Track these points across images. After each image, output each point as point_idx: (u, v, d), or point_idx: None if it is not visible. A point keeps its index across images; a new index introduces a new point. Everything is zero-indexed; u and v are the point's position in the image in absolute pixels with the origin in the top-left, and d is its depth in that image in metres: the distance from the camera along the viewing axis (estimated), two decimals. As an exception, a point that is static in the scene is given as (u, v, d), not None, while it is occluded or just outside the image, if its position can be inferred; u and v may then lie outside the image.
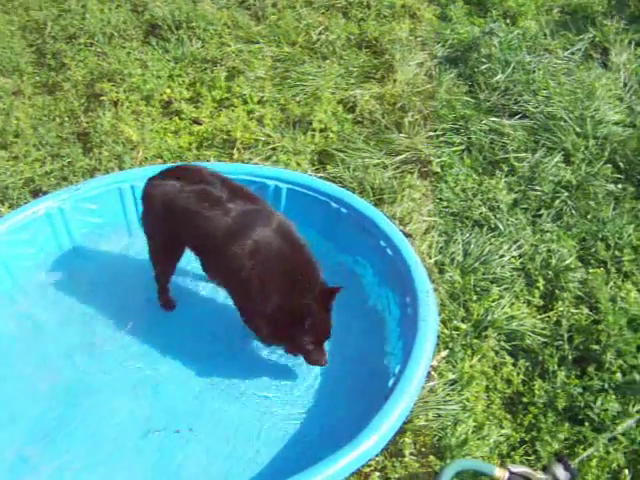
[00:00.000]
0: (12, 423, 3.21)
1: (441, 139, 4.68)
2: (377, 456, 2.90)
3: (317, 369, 3.35)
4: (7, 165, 4.54)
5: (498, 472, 2.83)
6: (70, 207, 3.98)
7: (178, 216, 3.27)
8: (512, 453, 3.05)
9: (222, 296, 3.60)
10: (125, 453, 3.09)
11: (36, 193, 4.39)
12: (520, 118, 4.80)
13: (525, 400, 3.24)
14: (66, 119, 4.97)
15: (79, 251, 4.01)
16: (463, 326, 3.49)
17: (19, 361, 3.48)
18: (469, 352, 3.39)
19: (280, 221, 3.22)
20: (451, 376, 3.27)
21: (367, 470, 2.91)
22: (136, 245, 3.94)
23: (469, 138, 4.69)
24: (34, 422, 3.21)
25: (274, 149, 4.58)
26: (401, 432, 2.97)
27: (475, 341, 3.43)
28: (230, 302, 3.39)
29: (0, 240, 3.80)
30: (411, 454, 2.97)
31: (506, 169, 4.43)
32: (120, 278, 3.86)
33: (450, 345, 3.41)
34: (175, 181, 3.33)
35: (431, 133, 4.71)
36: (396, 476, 2.89)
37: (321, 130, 4.76)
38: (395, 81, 5.16)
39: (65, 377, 3.39)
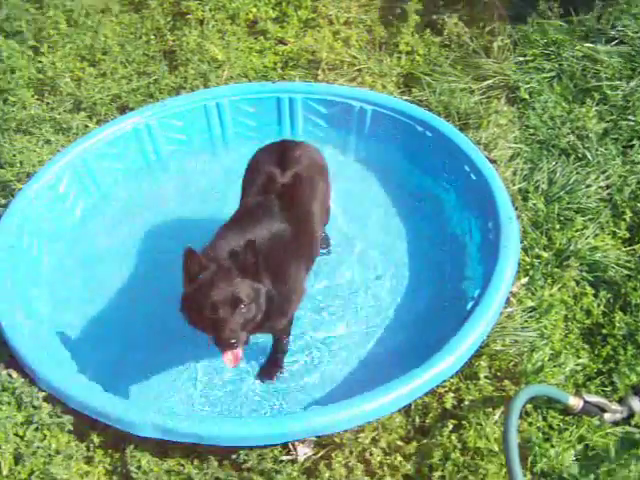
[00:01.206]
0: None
1: (531, 65, 4.52)
2: (452, 377, 2.92)
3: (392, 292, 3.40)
4: (95, 82, 4.60)
5: (572, 400, 2.83)
6: (156, 123, 4.05)
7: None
8: (588, 383, 3.01)
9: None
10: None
11: (123, 109, 4.46)
12: (617, 44, 4.59)
13: (604, 331, 3.19)
14: (152, 37, 5.00)
15: (165, 166, 4.10)
16: (545, 254, 3.44)
17: (109, 273, 3.60)
18: (549, 281, 3.34)
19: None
20: (530, 303, 3.24)
21: (441, 391, 2.93)
22: (221, 161, 3.98)
23: (560, 64, 4.52)
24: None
25: (359, 70, 4.53)
26: (477, 355, 2.97)
27: (556, 270, 3.38)
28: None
29: (88, 154, 3.91)
30: (486, 377, 2.97)
31: (598, 97, 4.26)
32: (206, 194, 3.91)
33: (530, 273, 3.36)
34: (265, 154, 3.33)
35: (520, 58, 4.56)
36: (470, 398, 2.90)
37: (407, 53, 4.68)
38: (485, 3, 4.99)
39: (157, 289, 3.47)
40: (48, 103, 4.43)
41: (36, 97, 4.45)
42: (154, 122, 4.05)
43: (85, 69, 4.71)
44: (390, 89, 4.37)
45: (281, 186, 3.08)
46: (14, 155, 3.98)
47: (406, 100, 4.20)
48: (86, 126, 4.28)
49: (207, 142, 4.15)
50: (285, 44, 4.85)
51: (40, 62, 4.66)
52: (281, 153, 3.24)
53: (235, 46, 4.80)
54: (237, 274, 2.64)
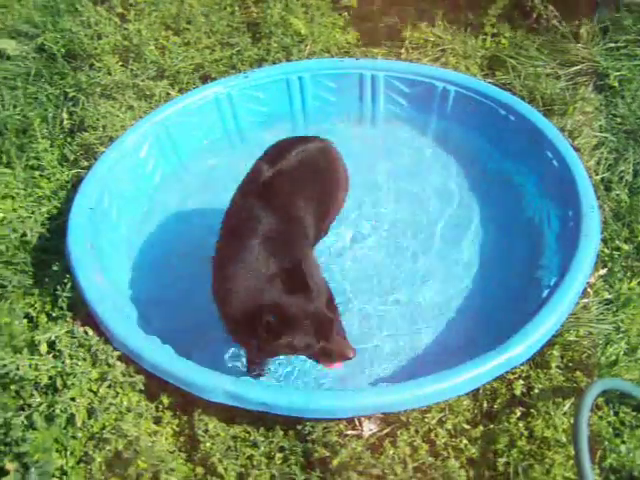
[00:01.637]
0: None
1: (622, 52, 4.39)
2: (523, 365, 2.88)
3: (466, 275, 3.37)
4: (179, 50, 4.64)
5: (647, 396, 2.77)
6: (238, 94, 4.07)
7: None
8: (664, 381, 2.95)
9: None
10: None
11: (205, 79, 4.49)
12: None
13: (684, 328, 3.11)
14: (237, 8, 4.99)
15: (244, 137, 4.13)
16: (625, 247, 3.36)
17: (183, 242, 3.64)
18: (629, 274, 3.27)
19: None
20: (607, 295, 3.17)
21: (511, 377, 2.89)
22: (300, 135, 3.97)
23: (654, 52, 4.39)
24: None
25: (443, 51, 4.47)
26: (550, 344, 2.92)
27: (636, 264, 3.30)
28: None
29: (170, 122, 3.94)
30: (557, 367, 2.92)
31: (692, 87, 4.13)
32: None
33: (609, 265, 3.29)
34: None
35: (611, 45, 4.43)
36: (540, 386, 2.86)
37: (493, 35, 4.59)
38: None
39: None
40: (132, 70, 4.47)
41: (121, 64, 4.50)
42: (236, 92, 4.06)
43: (169, 38, 4.73)
44: (474, 71, 4.31)
45: (262, 184, 3.00)
46: (97, 119, 4.05)
47: (490, 83, 4.12)
48: (168, 94, 4.32)
49: (287, 115, 4.15)
50: (370, 20, 4.81)
51: (126, 29, 4.70)
52: (281, 148, 3.16)
53: (319, 20, 4.77)
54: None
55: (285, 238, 2.82)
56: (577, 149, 3.68)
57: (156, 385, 2.91)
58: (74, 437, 2.78)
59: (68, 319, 3.12)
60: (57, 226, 3.57)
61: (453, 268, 3.41)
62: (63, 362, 2.92)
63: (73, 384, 2.87)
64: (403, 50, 4.50)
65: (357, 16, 4.87)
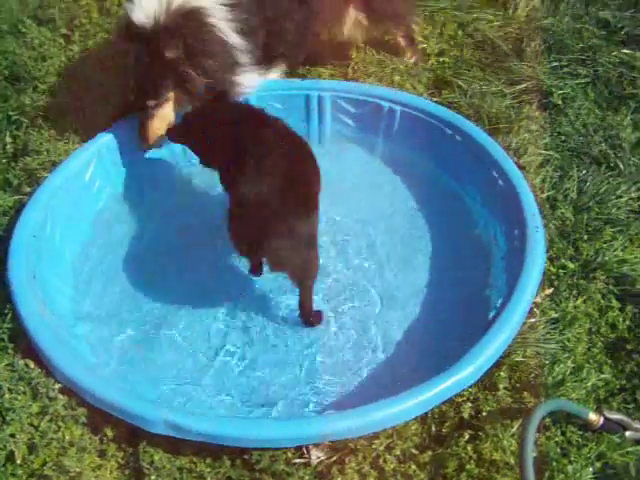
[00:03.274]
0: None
1: (565, 70, 4.45)
2: (471, 387, 2.87)
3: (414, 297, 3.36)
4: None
5: (593, 416, 2.77)
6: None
7: None
8: (610, 399, 2.96)
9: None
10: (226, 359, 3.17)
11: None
12: (655, 51, 4.52)
13: (629, 347, 3.12)
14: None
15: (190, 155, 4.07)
16: (571, 265, 3.38)
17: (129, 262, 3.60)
18: (574, 292, 3.28)
19: None
20: (553, 315, 3.18)
21: (459, 400, 2.88)
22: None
23: (595, 70, 4.45)
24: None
25: (389, 70, 4.46)
26: (497, 365, 2.93)
27: (582, 282, 3.32)
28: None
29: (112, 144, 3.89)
30: (505, 388, 2.92)
31: (633, 105, 4.19)
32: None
33: (555, 283, 3.31)
34: None
35: (555, 63, 4.48)
36: (488, 408, 2.86)
37: (438, 54, 4.62)
38: (519, 6, 4.93)
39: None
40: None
41: (65, 86, 4.44)
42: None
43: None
44: (420, 90, 4.30)
45: None
46: (41, 143, 3.97)
47: (436, 102, 4.14)
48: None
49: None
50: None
51: (71, 50, 4.65)
52: None
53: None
54: None
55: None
56: (522, 167, 3.70)
57: (100, 418, 2.84)
58: (13, 474, 2.71)
59: (9, 351, 3.05)
60: (-1, 254, 3.49)
61: (401, 289, 3.39)
62: (2, 396, 2.85)
63: (12, 419, 2.80)
64: (349, 69, 4.49)
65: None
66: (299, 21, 3.98)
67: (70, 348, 3.03)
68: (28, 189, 3.77)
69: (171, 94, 3.61)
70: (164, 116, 3.66)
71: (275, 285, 3.40)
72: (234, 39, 3.66)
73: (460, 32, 4.78)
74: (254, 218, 3.00)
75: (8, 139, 4.12)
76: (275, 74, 4.13)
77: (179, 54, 3.47)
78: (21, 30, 4.84)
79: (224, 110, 3.48)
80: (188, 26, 3.50)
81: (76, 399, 2.86)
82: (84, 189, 3.75)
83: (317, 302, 3.27)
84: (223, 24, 3.61)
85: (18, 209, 3.65)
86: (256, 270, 3.38)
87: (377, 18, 4.31)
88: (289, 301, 3.33)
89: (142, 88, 3.60)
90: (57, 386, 2.88)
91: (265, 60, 3.94)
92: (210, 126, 3.41)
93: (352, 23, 4.25)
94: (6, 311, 3.11)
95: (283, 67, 4.18)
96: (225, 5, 3.61)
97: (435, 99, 4.24)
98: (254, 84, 3.89)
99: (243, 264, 3.44)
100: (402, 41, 4.54)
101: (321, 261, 3.25)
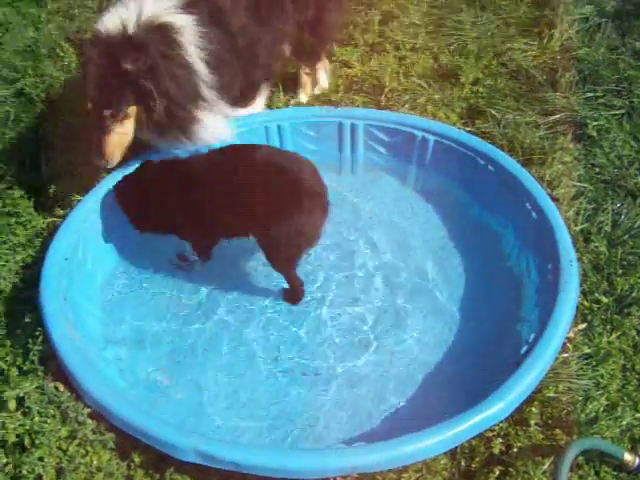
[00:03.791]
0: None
1: (600, 101, 4.43)
2: (502, 422, 2.83)
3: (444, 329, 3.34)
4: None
5: (628, 456, 2.72)
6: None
7: None
8: (645, 439, 2.91)
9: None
10: (251, 387, 3.16)
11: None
12: (689, 83, 4.49)
13: (664, 385, 3.08)
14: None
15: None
16: (605, 300, 3.34)
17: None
18: (608, 327, 3.24)
19: None
20: (587, 350, 3.14)
21: (490, 435, 2.84)
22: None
23: (631, 102, 4.42)
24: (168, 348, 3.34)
25: (423, 99, 4.47)
26: (529, 401, 2.88)
27: (616, 317, 3.27)
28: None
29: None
30: (536, 424, 2.87)
31: (669, 138, 4.16)
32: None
33: (589, 318, 3.27)
34: None
35: (589, 94, 4.46)
36: (519, 445, 2.81)
37: (473, 83, 4.61)
38: (554, 37, 4.92)
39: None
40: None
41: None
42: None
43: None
44: (453, 119, 4.30)
45: None
46: (75, 167, 4.01)
47: (469, 132, 4.13)
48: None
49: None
50: (350, 67, 4.82)
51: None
52: None
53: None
54: None
55: None
56: (556, 199, 3.68)
57: (128, 443, 2.84)
58: (41, 499, 2.71)
59: (39, 373, 3.05)
60: (31, 275, 3.51)
61: (433, 319, 3.37)
62: (32, 419, 2.86)
63: (41, 443, 2.80)
64: (383, 98, 4.49)
65: (339, 61, 4.89)
66: (268, 45, 3.97)
67: (100, 372, 3.02)
68: (61, 212, 3.81)
69: (131, 109, 3.49)
70: (123, 133, 3.54)
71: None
72: (201, 68, 3.58)
73: (494, 61, 4.77)
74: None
75: (42, 162, 4.16)
76: (254, 107, 4.12)
77: (140, 67, 3.35)
78: (59, 54, 4.91)
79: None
80: (154, 40, 3.42)
81: (105, 424, 2.85)
82: (116, 213, 3.75)
83: (359, 330, 3.34)
84: (192, 49, 3.54)
85: (51, 231, 3.69)
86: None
87: (302, 50, 4.35)
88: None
89: (101, 98, 3.44)
90: (86, 410, 2.87)
91: (241, 94, 3.93)
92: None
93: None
94: (37, 333, 3.12)
95: (262, 99, 4.18)
96: (198, 30, 3.56)
97: (468, 129, 4.23)
98: (219, 128, 3.78)
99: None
100: (305, 76, 4.59)
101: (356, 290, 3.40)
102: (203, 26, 3.57)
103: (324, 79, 4.67)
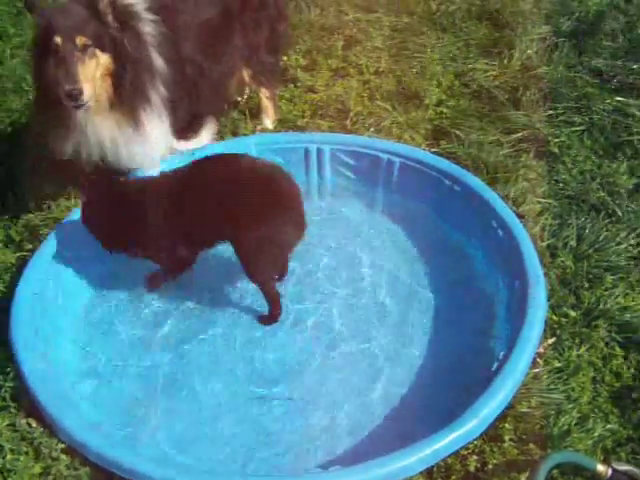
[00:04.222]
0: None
1: (560, 118, 4.52)
2: (476, 440, 2.85)
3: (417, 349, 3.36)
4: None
5: (600, 467, 2.74)
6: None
7: None
8: (617, 449, 2.92)
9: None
10: (226, 416, 3.14)
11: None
12: (648, 97, 4.61)
13: (635, 395, 3.11)
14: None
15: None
16: (573, 314, 3.38)
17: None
18: (577, 341, 3.28)
19: None
20: (557, 364, 3.18)
21: (465, 452, 2.86)
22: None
23: (590, 118, 4.52)
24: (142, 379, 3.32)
25: (388, 121, 4.52)
26: (502, 417, 2.91)
27: (584, 330, 3.32)
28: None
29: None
30: (511, 440, 2.90)
31: (629, 152, 4.25)
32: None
33: (558, 332, 3.31)
34: None
35: (550, 112, 4.56)
36: (494, 461, 2.84)
37: (436, 104, 4.69)
38: (514, 56, 5.03)
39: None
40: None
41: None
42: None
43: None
44: (418, 141, 4.36)
45: None
46: (43, 200, 4.01)
47: (434, 153, 4.19)
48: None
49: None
50: (314, 92, 4.88)
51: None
52: None
53: (265, 94, 4.83)
54: None
55: None
56: (522, 216, 3.73)
57: (103, 477, 2.80)
58: (15, 539, 2.69)
59: (12, 410, 3.03)
60: (1, 311, 3.49)
61: (404, 340, 3.38)
62: (4, 457, 2.83)
63: (15, 481, 2.78)
64: (348, 122, 4.54)
65: (304, 87, 4.93)
66: (215, 80, 4.03)
67: (74, 406, 3.01)
68: (30, 246, 3.79)
69: (101, 56, 3.44)
70: (90, 65, 3.41)
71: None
72: (160, 64, 3.63)
73: (457, 82, 4.86)
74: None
75: (10, 195, 4.14)
76: (198, 142, 4.11)
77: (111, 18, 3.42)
78: (24, 88, 4.91)
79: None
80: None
81: (79, 458, 2.83)
82: (88, 245, 3.74)
83: (323, 352, 3.35)
84: (154, 48, 3.61)
85: (20, 266, 3.66)
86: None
87: (259, 72, 4.42)
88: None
89: (73, 27, 3.38)
90: (60, 446, 2.85)
91: (185, 126, 3.96)
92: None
93: (237, 79, 4.37)
94: (8, 369, 3.10)
95: (208, 134, 4.18)
96: (160, 35, 3.62)
97: (434, 150, 4.29)
98: (155, 146, 3.78)
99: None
100: (266, 100, 4.62)
101: (322, 312, 3.42)
102: (163, 36, 3.64)
103: (269, 121, 4.68)
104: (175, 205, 3.36)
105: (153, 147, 3.76)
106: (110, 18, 3.42)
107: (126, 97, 3.55)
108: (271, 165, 3.48)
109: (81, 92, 3.34)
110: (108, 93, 3.54)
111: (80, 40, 3.36)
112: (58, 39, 3.35)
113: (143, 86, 3.60)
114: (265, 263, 3.37)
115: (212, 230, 3.40)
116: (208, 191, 3.31)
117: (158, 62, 3.63)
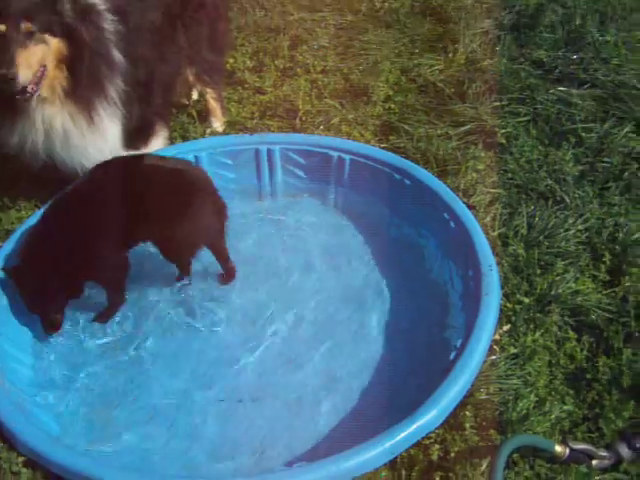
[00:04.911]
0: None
1: (506, 109, 4.60)
2: (437, 429, 2.89)
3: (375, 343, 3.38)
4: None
5: (559, 448, 2.80)
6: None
7: None
8: (574, 430, 2.99)
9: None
10: (187, 420, 3.14)
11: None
12: (589, 87, 4.70)
13: (588, 377, 3.17)
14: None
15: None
16: (526, 300, 3.44)
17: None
18: (532, 326, 3.34)
19: None
20: (513, 350, 3.23)
21: (427, 442, 2.90)
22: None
23: (535, 108, 4.60)
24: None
25: (337, 119, 4.56)
26: (462, 405, 2.95)
27: (538, 315, 3.38)
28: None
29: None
30: (471, 427, 2.94)
31: (573, 140, 4.33)
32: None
33: (512, 319, 3.36)
34: None
35: (496, 103, 4.63)
36: (456, 449, 2.88)
37: (384, 100, 4.73)
38: (458, 51, 5.10)
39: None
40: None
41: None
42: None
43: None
44: (367, 137, 4.40)
45: None
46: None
47: (384, 148, 4.23)
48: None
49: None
50: (263, 94, 4.88)
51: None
52: None
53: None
54: None
55: None
56: (472, 207, 3.79)
57: (66, 488, 2.80)
58: None
59: (-31, 427, 2.98)
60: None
61: (361, 334, 3.41)
62: (-38, 475, 2.79)
63: (-26, 499, 2.74)
64: (297, 121, 4.56)
65: (252, 89, 4.94)
66: (164, 81, 4.01)
67: (34, 419, 2.98)
68: (-16, 259, 3.73)
69: (51, 41, 3.36)
70: (35, 50, 3.32)
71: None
72: (120, 59, 3.60)
73: (403, 78, 4.91)
74: None
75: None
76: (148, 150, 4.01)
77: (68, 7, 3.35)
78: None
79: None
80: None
81: (41, 471, 2.80)
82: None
83: (289, 351, 3.35)
84: (115, 45, 3.57)
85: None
86: None
87: (203, 71, 4.42)
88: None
89: (20, 10, 3.28)
90: (21, 459, 2.82)
91: (135, 132, 3.88)
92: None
93: (182, 79, 4.36)
94: (-36, 386, 3.05)
95: (158, 142, 4.10)
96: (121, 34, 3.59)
97: (383, 145, 4.34)
98: (106, 145, 3.70)
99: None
100: (212, 101, 4.62)
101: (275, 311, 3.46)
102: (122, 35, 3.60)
103: (218, 123, 4.68)
104: (90, 215, 3.30)
105: (108, 143, 3.69)
106: (67, 7, 3.35)
107: (82, 88, 3.47)
108: (175, 160, 3.53)
109: (14, 77, 3.21)
110: (63, 83, 3.46)
111: (25, 25, 3.27)
112: (2, 25, 3.25)
113: (101, 78, 3.53)
114: (185, 253, 3.47)
115: (131, 231, 3.35)
116: (117, 194, 3.25)
117: (117, 57, 3.59)
